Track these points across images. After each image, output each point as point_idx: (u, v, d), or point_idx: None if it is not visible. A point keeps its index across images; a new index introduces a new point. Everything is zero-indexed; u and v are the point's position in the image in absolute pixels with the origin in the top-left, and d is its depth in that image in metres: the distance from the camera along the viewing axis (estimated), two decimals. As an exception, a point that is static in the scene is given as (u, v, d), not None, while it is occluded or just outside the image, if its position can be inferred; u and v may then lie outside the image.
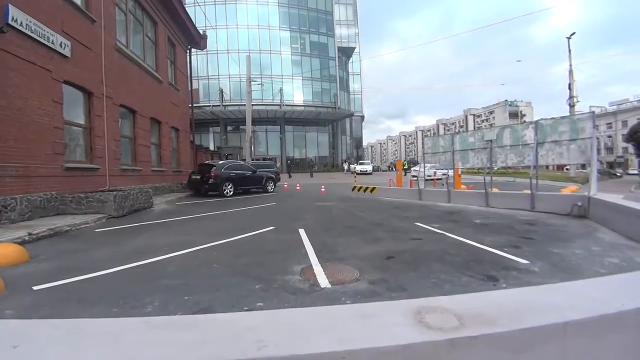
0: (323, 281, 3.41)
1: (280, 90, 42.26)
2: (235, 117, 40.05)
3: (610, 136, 68.26)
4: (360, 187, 13.94)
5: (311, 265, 3.97)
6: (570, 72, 25.94)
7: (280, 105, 41.93)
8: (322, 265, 3.92)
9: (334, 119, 47.43)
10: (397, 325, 1.12)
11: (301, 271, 3.75)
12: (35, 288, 3.26)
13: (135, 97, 11.66)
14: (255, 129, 37.60)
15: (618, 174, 42.91)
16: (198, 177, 13.39)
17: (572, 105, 25.46)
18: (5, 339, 1.06)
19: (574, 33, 26.22)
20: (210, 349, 1.01)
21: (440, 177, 18.27)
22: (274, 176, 16.15)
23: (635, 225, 4.98)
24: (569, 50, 26.28)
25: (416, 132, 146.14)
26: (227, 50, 39.58)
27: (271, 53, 43.37)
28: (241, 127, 36.79)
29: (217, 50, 39.68)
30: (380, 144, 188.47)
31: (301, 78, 44.46)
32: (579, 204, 7.11)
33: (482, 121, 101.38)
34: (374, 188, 13.37)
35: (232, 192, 13.32)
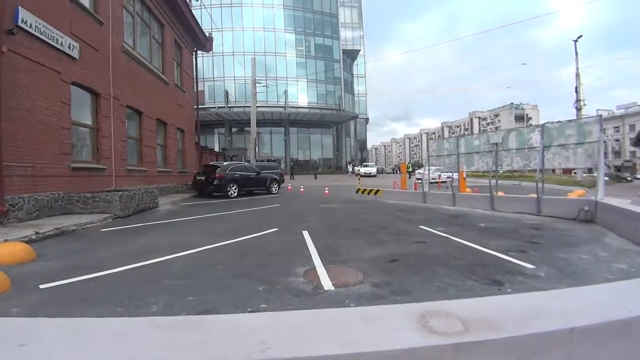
0: (327, 283, 3.41)
1: (285, 92, 42.39)
2: (240, 118, 40.28)
3: (617, 140, 67.44)
4: (364, 190, 13.91)
5: (315, 267, 3.96)
6: (577, 75, 25.69)
7: (284, 107, 42.03)
8: (325, 268, 3.91)
9: (338, 121, 47.47)
10: (401, 329, 1.12)
11: (305, 273, 3.75)
12: (41, 287, 3.29)
13: (141, 99, 11.77)
14: (260, 131, 37.73)
15: (629, 178, 40.96)
16: (203, 178, 13.47)
17: (579, 109, 25.19)
18: (12, 337, 1.08)
19: (580, 36, 25.97)
20: (213, 350, 1.01)
21: (444, 180, 18.17)
22: (278, 178, 16.18)
23: (644, 230, 4.91)
24: (576, 53, 26.04)
25: (421, 134, 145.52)
26: (233, 52, 39.84)
27: (276, 55, 43.56)
28: (246, 128, 36.91)
29: (222, 53, 39.97)
30: (385, 146, 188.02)
31: (306, 80, 44.56)
32: (586, 208, 7.03)
33: (488, 124, 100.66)
34: (378, 190, 13.34)
35: (236, 193, 13.38)
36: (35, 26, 6.85)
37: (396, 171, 52.02)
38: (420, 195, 11.42)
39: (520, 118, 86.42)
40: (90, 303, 2.95)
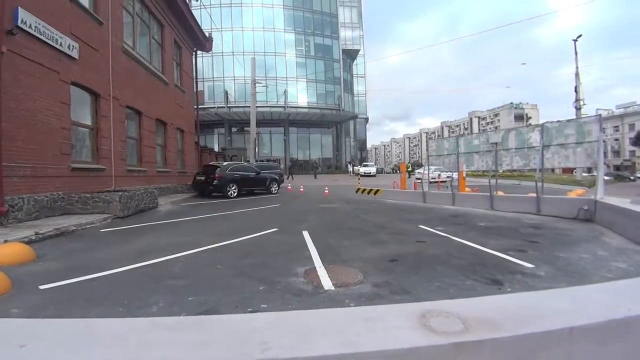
0: (327, 283, 3.41)
1: (284, 92, 42.39)
2: (239, 118, 40.29)
3: (617, 139, 67.48)
4: (364, 189, 13.92)
5: (315, 267, 3.97)
6: (577, 74, 25.71)
7: (284, 107, 42.03)
8: (325, 268, 3.91)
9: (338, 121, 47.46)
10: (401, 328, 1.12)
11: (305, 273, 3.75)
12: (41, 287, 3.29)
13: (141, 99, 11.77)
14: (260, 131, 37.72)
15: (631, 178, 39.88)
16: (203, 178, 13.47)
17: (578, 108, 25.21)
18: (12, 338, 1.08)
19: (580, 35, 26.01)
20: (214, 351, 1.01)
21: (444, 179, 18.18)
22: (277, 178, 16.19)
23: (643, 229, 4.92)
24: (575, 53, 26.06)
25: (420, 134, 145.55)
26: (232, 52, 39.87)
27: (276, 55, 43.55)
28: (245, 128, 36.87)
29: (222, 53, 39.97)
30: (384, 146, 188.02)
31: (305, 80, 44.54)
32: (586, 207, 7.04)
33: (487, 124, 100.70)
34: (377, 190, 13.34)
35: (236, 193, 13.38)
36: (35, 26, 6.84)
37: (396, 171, 52.05)
38: (420, 195, 11.43)
39: (519, 118, 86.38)
40: (91, 303, 2.96)
